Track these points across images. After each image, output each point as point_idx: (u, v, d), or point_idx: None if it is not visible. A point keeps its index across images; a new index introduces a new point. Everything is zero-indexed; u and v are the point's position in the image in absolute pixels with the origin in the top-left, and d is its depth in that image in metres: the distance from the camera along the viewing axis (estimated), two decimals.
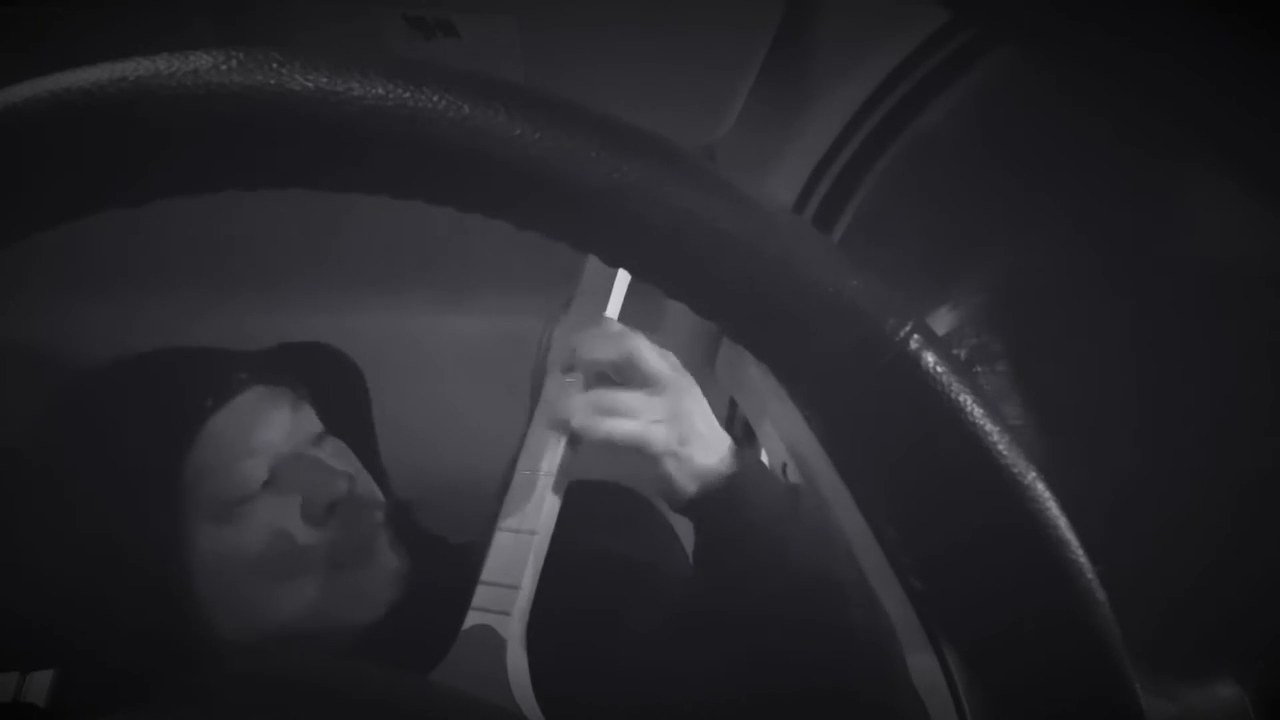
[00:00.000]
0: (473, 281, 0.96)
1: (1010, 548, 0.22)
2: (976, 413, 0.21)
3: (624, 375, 0.53)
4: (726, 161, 0.81)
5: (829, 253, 0.22)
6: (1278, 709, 0.58)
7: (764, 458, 0.87)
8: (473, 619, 0.49)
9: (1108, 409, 0.69)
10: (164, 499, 0.56)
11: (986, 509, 0.22)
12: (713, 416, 0.56)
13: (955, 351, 0.25)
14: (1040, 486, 0.22)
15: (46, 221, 0.21)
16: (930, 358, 0.21)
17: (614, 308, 0.59)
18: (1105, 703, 0.22)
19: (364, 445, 0.67)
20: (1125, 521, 0.61)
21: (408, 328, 0.99)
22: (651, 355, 0.53)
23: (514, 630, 0.48)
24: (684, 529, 0.74)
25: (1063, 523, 0.22)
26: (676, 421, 0.53)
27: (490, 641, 0.48)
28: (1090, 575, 0.22)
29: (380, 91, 0.20)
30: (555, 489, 0.53)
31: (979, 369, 0.79)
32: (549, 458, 0.54)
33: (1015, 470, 0.21)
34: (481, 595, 0.50)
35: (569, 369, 0.55)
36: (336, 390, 0.68)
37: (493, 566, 0.51)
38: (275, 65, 0.20)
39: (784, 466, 0.84)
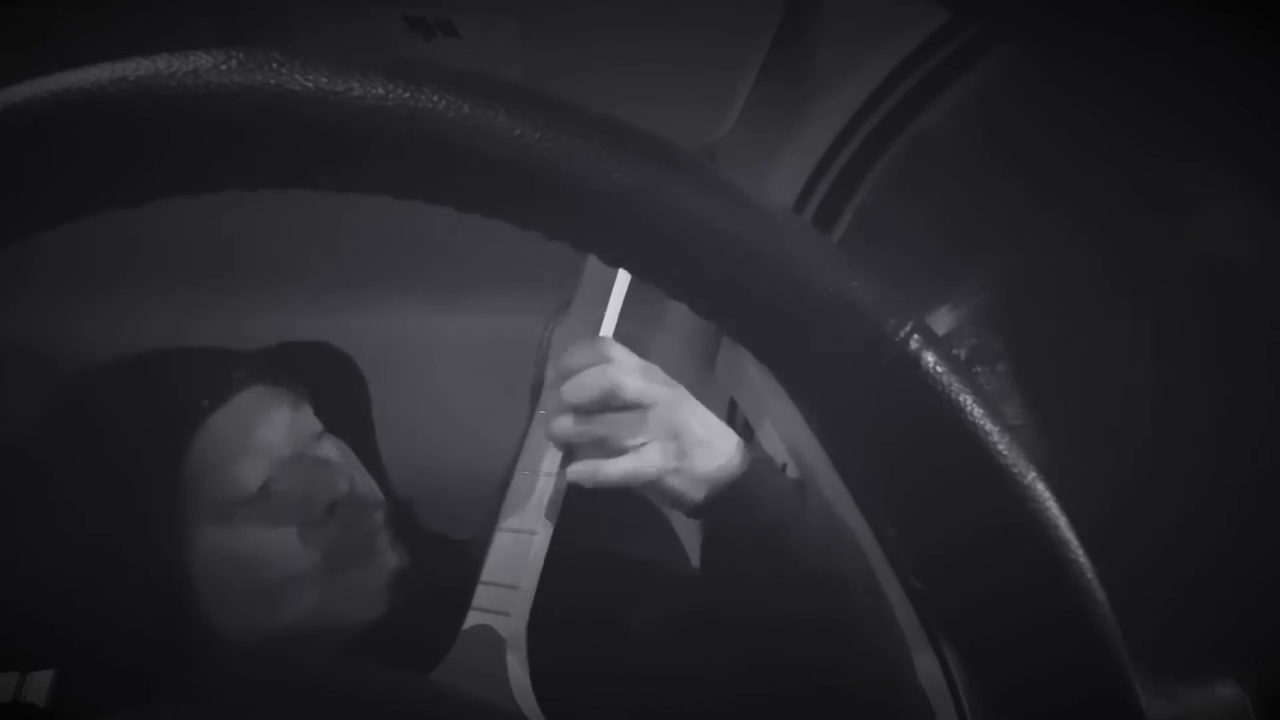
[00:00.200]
0: (473, 281, 0.96)
1: (1010, 548, 0.22)
2: (976, 413, 0.21)
3: (610, 405, 0.52)
4: (726, 161, 0.81)
5: (829, 253, 0.22)
6: (1278, 709, 0.58)
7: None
8: (473, 619, 0.49)
9: (1108, 409, 0.69)
10: (163, 498, 0.56)
11: (986, 509, 0.22)
12: (713, 419, 0.55)
13: (955, 351, 0.25)
14: (1040, 486, 0.21)
15: (46, 221, 0.21)
16: (930, 358, 0.21)
17: (614, 308, 0.58)
18: (1105, 703, 0.22)
19: (364, 445, 0.67)
20: (1125, 521, 0.61)
21: (408, 328, 0.98)
22: (634, 381, 0.52)
23: (514, 630, 0.48)
24: (684, 528, 0.74)
25: (1063, 523, 0.22)
26: (673, 439, 0.53)
27: (490, 641, 0.48)
28: (1090, 575, 0.22)
29: (380, 91, 0.20)
30: (554, 503, 0.52)
31: (979, 369, 0.79)
32: (549, 458, 0.54)
33: (1015, 470, 0.21)
34: (481, 595, 0.50)
35: (557, 401, 0.54)
36: (336, 390, 0.68)
37: (493, 566, 0.51)
38: (275, 65, 0.20)
39: (784, 467, 0.84)
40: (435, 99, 0.20)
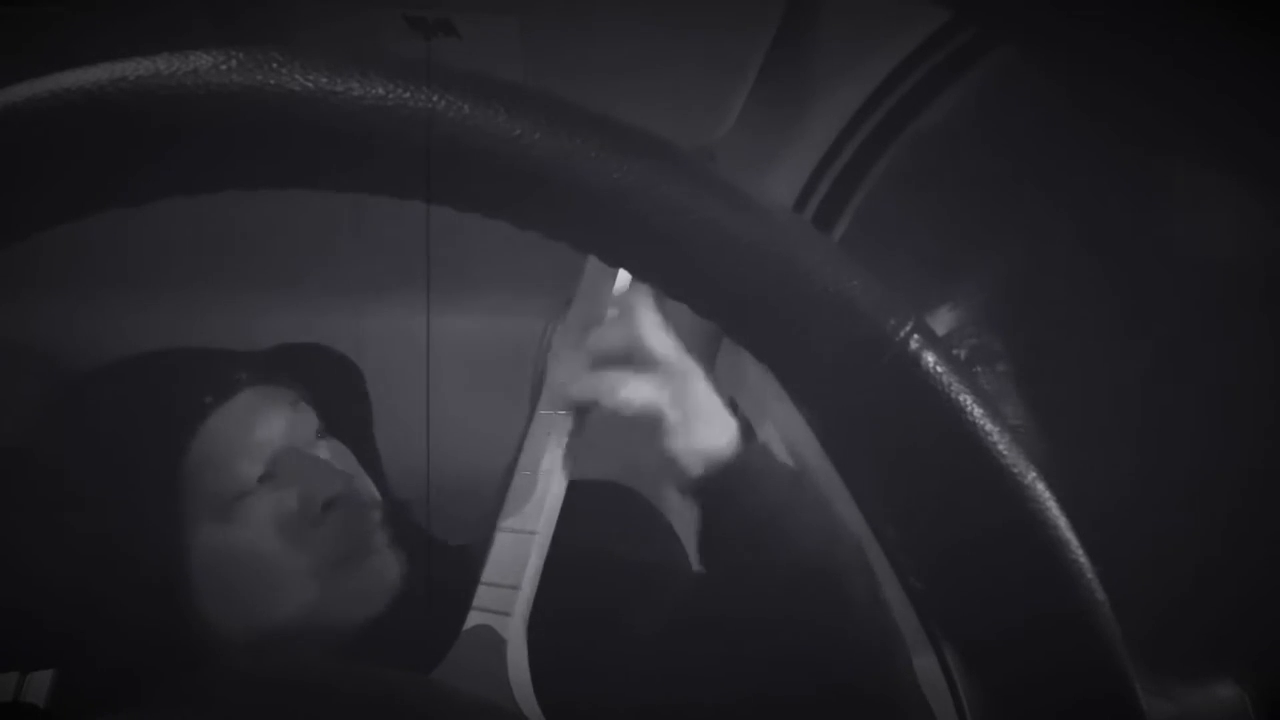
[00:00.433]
0: (473, 281, 0.96)
1: (1010, 548, 0.22)
2: (976, 413, 0.21)
3: (631, 360, 0.54)
4: (727, 161, 0.81)
5: (829, 252, 0.22)
6: (1277, 709, 0.58)
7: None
8: (473, 619, 0.49)
9: (1108, 409, 0.69)
10: (162, 496, 0.56)
11: (986, 509, 0.22)
12: (718, 400, 0.56)
13: (955, 351, 0.25)
14: (1040, 486, 0.21)
15: (46, 221, 0.21)
16: (930, 357, 0.21)
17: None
18: (1105, 703, 0.22)
19: (362, 445, 0.67)
20: (1125, 521, 0.61)
21: (408, 328, 0.98)
22: (658, 336, 0.54)
23: (514, 630, 0.48)
24: (684, 529, 0.74)
25: (1063, 523, 0.22)
26: (684, 401, 0.54)
27: (491, 641, 0.48)
28: (1090, 575, 0.22)
29: (380, 91, 0.20)
30: (563, 470, 0.53)
31: (979, 369, 0.79)
32: (549, 458, 0.54)
33: (1015, 470, 0.21)
34: (482, 595, 0.50)
35: (577, 349, 0.55)
36: (335, 391, 0.68)
37: (493, 566, 0.51)
38: (275, 65, 0.20)
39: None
40: (435, 99, 0.20)
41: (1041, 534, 0.21)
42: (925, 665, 0.63)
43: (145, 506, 0.56)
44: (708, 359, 0.98)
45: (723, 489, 0.55)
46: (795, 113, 0.79)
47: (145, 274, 0.91)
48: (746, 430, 0.58)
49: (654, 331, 0.54)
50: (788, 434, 0.83)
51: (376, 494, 0.62)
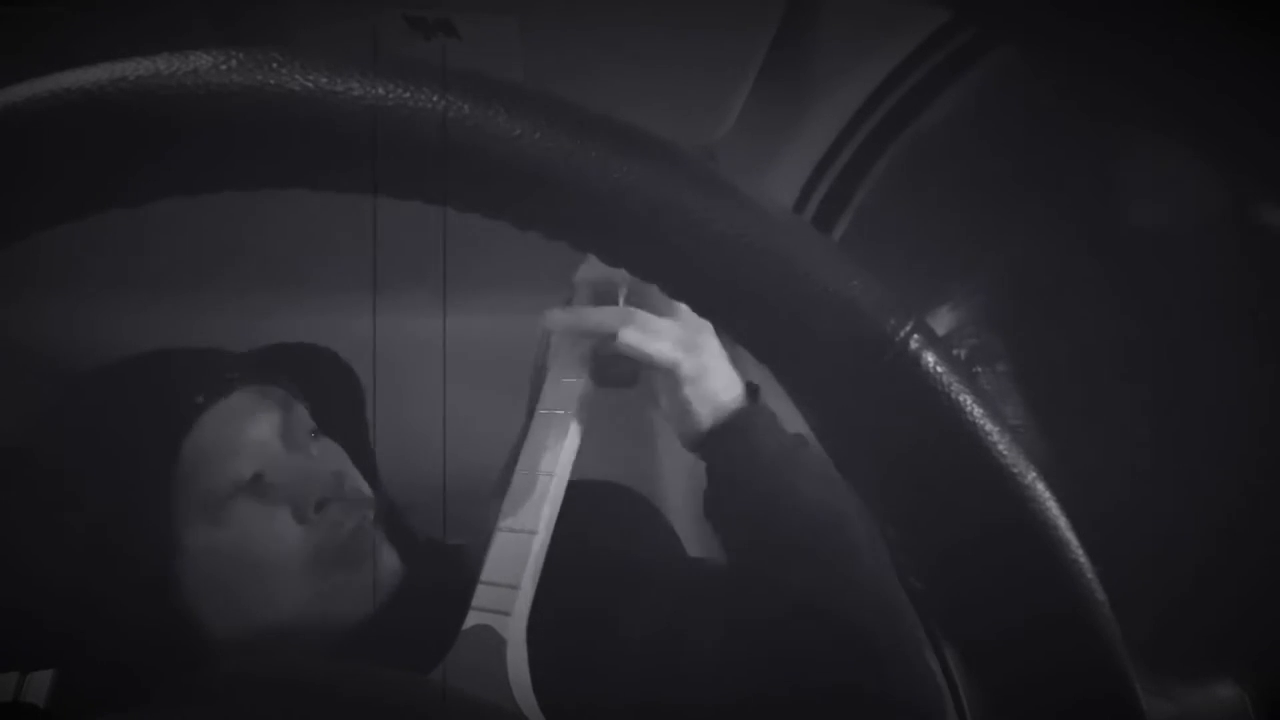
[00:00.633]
0: (473, 281, 0.96)
1: (1010, 548, 0.22)
2: (976, 412, 0.21)
3: (655, 304, 0.56)
4: (726, 161, 0.81)
5: (829, 253, 0.22)
6: (1277, 709, 0.58)
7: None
8: (473, 619, 0.49)
9: (1108, 409, 0.69)
10: (155, 496, 0.56)
11: (986, 509, 0.22)
12: (727, 358, 0.58)
13: (955, 351, 0.25)
14: (1040, 486, 0.22)
15: (46, 221, 0.21)
16: (930, 357, 0.21)
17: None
18: (1105, 703, 0.22)
19: (357, 446, 0.67)
20: (1125, 521, 0.61)
21: (408, 328, 0.98)
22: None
23: (514, 630, 0.48)
24: (684, 529, 0.74)
25: (1063, 523, 0.22)
26: (698, 352, 0.56)
27: (490, 641, 0.48)
28: (1090, 575, 0.22)
29: (380, 91, 0.20)
30: (578, 416, 0.54)
31: (979, 369, 0.79)
32: (549, 458, 0.54)
33: (1015, 470, 0.21)
34: (482, 595, 0.50)
35: (597, 293, 0.56)
36: (331, 391, 0.68)
37: (493, 566, 0.51)
38: (275, 65, 0.20)
39: None
40: (435, 99, 0.20)
41: (1041, 534, 0.21)
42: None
43: (138, 506, 0.56)
44: None
45: (731, 445, 0.57)
46: (795, 113, 0.79)
47: (145, 274, 0.91)
48: (753, 391, 0.59)
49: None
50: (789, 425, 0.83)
51: (369, 493, 0.62)
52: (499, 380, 0.72)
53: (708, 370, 0.57)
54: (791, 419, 0.59)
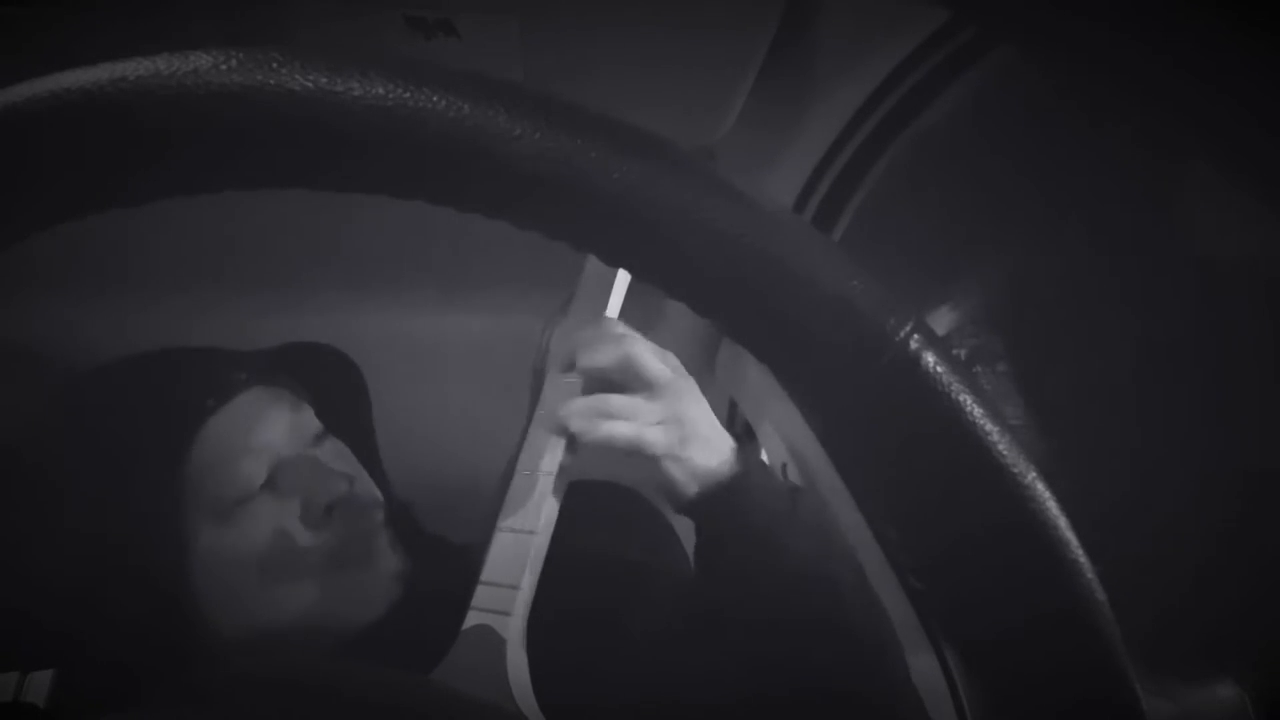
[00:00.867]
0: (473, 281, 0.96)
1: (1010, 548, 0.22)
2: (976, 413, 0.21)
3: (623, 378, 0.53)
4: (726, 161, 0.81)
5: (829, 252, 0.22)
6: (1277, 709, 0.58)
7: (764, 457, 0.87)
8: (473, 619, 0.49)
9: (1108, 409, 0.69)
10: (164, 498, 0.56)
11: (986, 509, 0.22)
12: (714, 417, 0.56)
13: (955, 351, 0.25)
14: (1040, 486, 0.21)
15: (46, 221, 0.21)
16: (930, 357, 0.21)
17: (614, 308, 0.59)
18: (1105, 703, 0.22)
19: (364, 446, 0.67)
20: (1125, 521, 0.61)
21: (408, 328, 0.99)
22: (650, 358, 0.54)
23: (514, 630, 0.48)
24: (684, 529, 0.74)
25: (1063, 523, 0.22)
26: (677, 424, 0.54)
27: (490, 641, 0.48)
28: (1090, 575, 0.22)
29: (380, 91, 0.20)
30: (555, 491, 0.53)
31: (979, 369, 0.79)
32: (549, 458, 0.54)
33: (1015, 470, 0.21)
34: (482, 595, 0.50)
35: (568, 369, 0.56)
36: (337, 391, 0.68)
37: (493, 566, 0.51)
38: (275, 65, 0.20)
39: (784, 467, 0.84)
40: (435, 99, 0.20)
41: (1041, 534, 0.21)
42: (925, 665, 0.63)
43: (146, 508, 0.56)
44: (707, 360, 0.98)
45: (718, 508, 0.54)
46: (795, 112, 0.79)
47: (145, 274, 0.91)
48: (744, 446, 0.58)
49: (647, 351, 0.54)
50: (788, 434, 0.83)
51: (378, 495, 0.62)
52: (499, 380, 0.72)
53: (690, 437, 0.54)
54: (790, 430, 0.59)
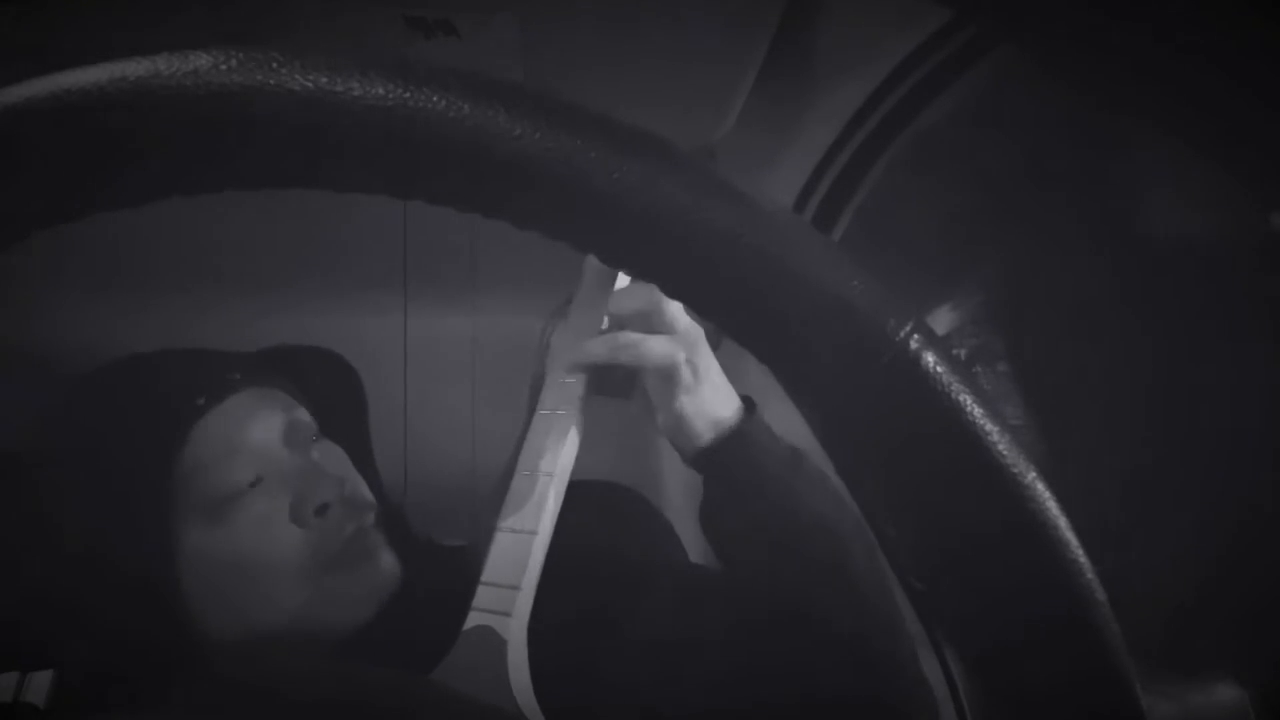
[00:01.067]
0: (473, 281, 0.96)
1: (1010, 548, 0.22)
2: (976, 412, 0.21)
3: (649, 323, 0.55)
4: (726, 161, 0.81)
5: (829, 253, 0.22)
6: (1278, 710, 0.58)
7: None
8: (473, 619, 0.49)
9: (1108, 409, 0.69)
10: (155, 498, 0.56)
11: (986, 509, 0.22)
12: (721, 371, 0.58)
13: (955, 351, 0.25)
14: (1040, 486, 0.21)
15: (45, 222, 0.21)
16: (930, 357, 0.21)
17: None
18: (1106, 703, 0.22)
19: (358, 448, 0.67)
20: (1126, 522, 0.61)
21: (407, 328, 0.98)
22: (675, 305, 0.56)
23: (515, 631, 0.48)
24: (684, 529, 0.74)
25: (1063, 523, 0.22)
26: (694, 366, 0.56)
27: (491, 642, 0.48)
28: (1090, 576, 0.22)
29: (380, 91, 0.20)
30: (577, 420, 0.54)
31: (979, 369, 0.79)
32: (549, 458, 0.54)
33: (1015, 470, 0.21)
34: (482, 596, 0.50)
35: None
36: (332, 393, 0.68)
37: (493, 567, 0.51)
38: (275, 65, 0.20)
39: None
40: (435, 99, 0.20)
41: (1041, 534, 0.21)
42: (925, 665, 0.63)
43: (138, 508, 0.56)
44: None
45: (730, 457, 0.56)
46: (795, 112, 0.79)
47: (145, 274, 0.92)
48: (750, 405, 0.59)
49: (669, 300, 0.55)
50: (787, 434, 0.83)
51: (371, 497, 0.62)
52: (498, 380, 0.72)
53: (704, 380, 0.56)
54: (789, 428, 0.60)
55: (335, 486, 0.58)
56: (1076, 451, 0.70)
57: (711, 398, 0.57)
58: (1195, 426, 0.62)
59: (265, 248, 0.91)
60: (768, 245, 0.21)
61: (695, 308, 0.22)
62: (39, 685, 0.51)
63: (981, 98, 0.72)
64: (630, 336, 0.55)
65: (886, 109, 0.76)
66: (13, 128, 0.20)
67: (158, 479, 0.56)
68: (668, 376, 0.55)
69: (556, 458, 0.54)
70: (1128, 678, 0.22)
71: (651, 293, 0.55)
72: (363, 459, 0.66)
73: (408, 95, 0.20)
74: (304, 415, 0.62)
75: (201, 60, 0.20)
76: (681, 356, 0.55)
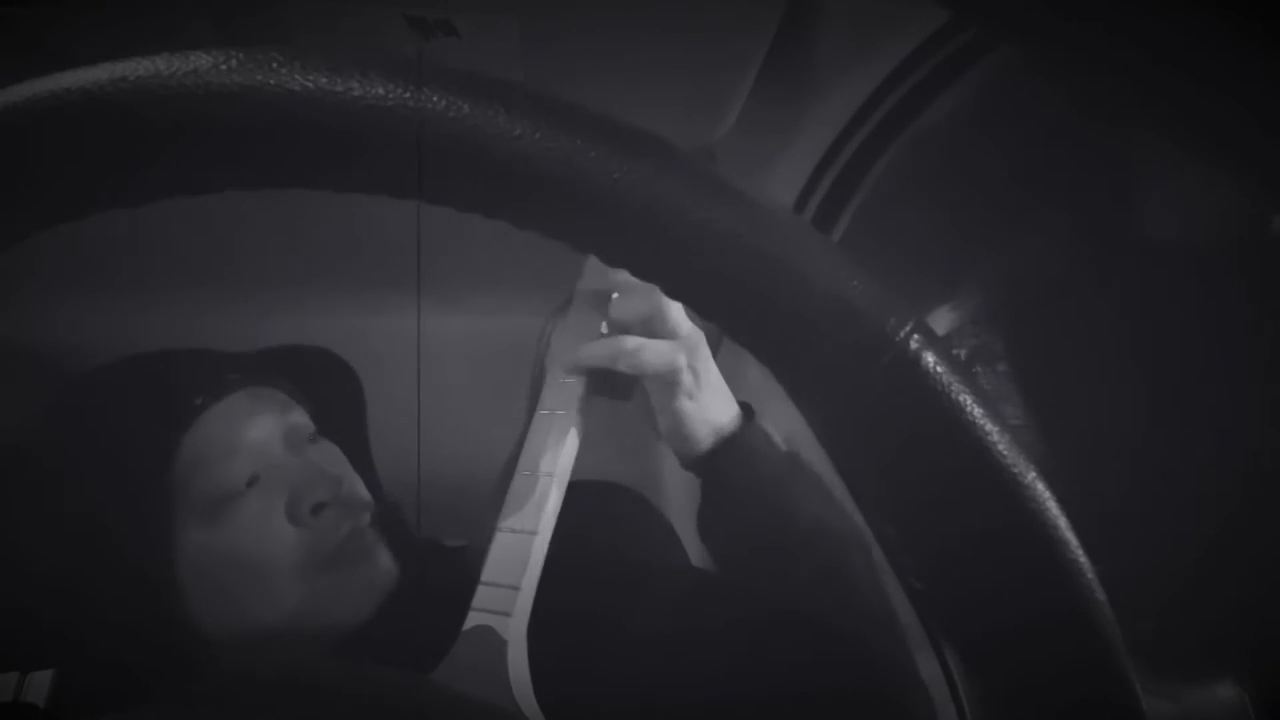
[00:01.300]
0: (473, 281, 0.96)
1: (1010, 548, 0.22)
2: (976, 412, 0.21)
3: (651, 328, 0.55)
4: (726, 161, 0.81)
5: (829, 253, 0.22)
6: (1277, 710, 0.58)
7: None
8: (473, 619, 0.49)
9: (1108, 409, 0.69)
10: (152, 496, 0.56)
11: (986, 509, 0.22)
12: (721, 378, 0.58)
13: (955, 351, 0.25)
14: (1040, 486, 0.21)
15: (47, 221, 0.21)
16: (930, 358, 0.21)
17: None
18: (1106, 703, 0.22)
19: (356, 448, 0.67)
20: (1126, 521, 0.61)
21: (407, 328, 0.98)
22: (677, 309, 0.56)
23: (515, 631, 0.48)
24: (684, 529, 0.74)
25: (1063, 523, 0.22)
26: (695, 371, 0.56)
27: (491, 642, 0.48)
28: (1090, 575, 0.22)
29: (380, 91, 0.20)
30: (577, 420, 0.54)
31: (979, 369, 0.79)
32: (549, 458, 0.54)
33: (1015, 470, 0.21)
34: (482, 596, 0.50)
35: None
36: (331, 394, 0.68)
37: (493, 567, 0.51)
38: (275, 65, 0.20)
39: None
40: (435, 99, 0.20)
41: (1041, 534, 0.21)
42: (925, 665, 0.63)
43: (136, 506, 0.56)
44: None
45: (729, 461, 0.57)
46: (795, 112, 0.79)
47: (145, 274, 0.91)
48: (747, 410, 0.59)
49: (673, 303, 0.56)
50: (787, 434, 0.83)
51: (368, 496, 0.62)
52: (498, 381, 0.72)
53: (705, 386, 0.57)
54: (789, 429, 0.60)
55: (332, 485, 0.59)
56: (1076, 451, 0.70)
57: (711, 403, 0.57)
58: (1195, 427, 0.62)
59: (267, 247, 0.91)
60: (767, 245, 0.21)
61: (695, 308, 0.22)
62: (39, 685, 0.51)
63: (981, 98, 0.72)
64: (630, 342, 0.55)
65: (886, 109, 0.76)
66: (13, 127, 0.20)
67: (155, 477, 0.56)
68: (668, 382, 0.55)
69: (556, 458, 0.54)
70: (1128, 678, 0.22)
71: (652, 296, 0.55)
72: (361, 459, 0.66)
73: (408, 95, 0.20)
74: (301, 415, 0.62)
75: (202, 60, 0.20)
76: (682, 362, 0.55)
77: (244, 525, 0.57)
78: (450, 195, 0.21)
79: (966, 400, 0.21)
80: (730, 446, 0.57)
